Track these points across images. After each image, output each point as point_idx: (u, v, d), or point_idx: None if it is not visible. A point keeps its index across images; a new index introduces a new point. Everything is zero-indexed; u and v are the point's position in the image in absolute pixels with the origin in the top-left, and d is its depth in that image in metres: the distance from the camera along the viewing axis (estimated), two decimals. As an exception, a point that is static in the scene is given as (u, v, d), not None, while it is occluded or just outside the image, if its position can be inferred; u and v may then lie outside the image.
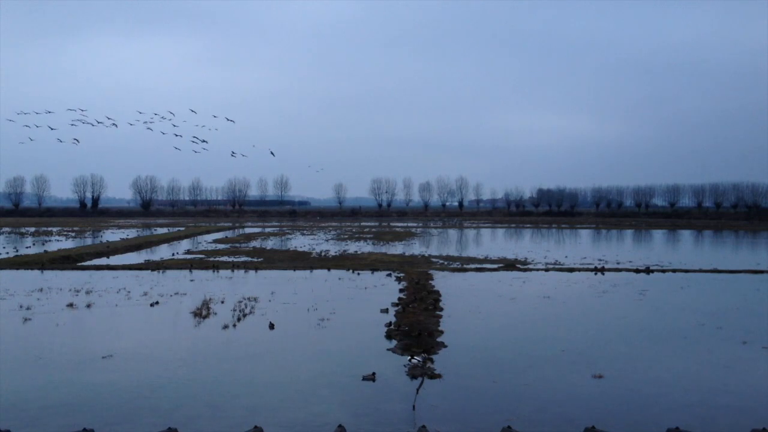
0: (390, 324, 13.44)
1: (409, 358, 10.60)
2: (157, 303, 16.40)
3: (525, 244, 42.27)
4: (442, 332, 12.72)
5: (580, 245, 41.75)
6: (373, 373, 9.66)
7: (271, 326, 13.40)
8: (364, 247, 37.30)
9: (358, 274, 23.31)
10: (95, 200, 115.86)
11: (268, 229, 62.48)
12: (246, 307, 15.50)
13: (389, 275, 22.85)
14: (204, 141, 38.60)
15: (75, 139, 41.38)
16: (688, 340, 12.48)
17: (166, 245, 39.60)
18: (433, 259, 29.31)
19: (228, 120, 40.12)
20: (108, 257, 30.71)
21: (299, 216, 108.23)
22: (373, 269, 24.54)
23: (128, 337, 12.60)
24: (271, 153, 42.78)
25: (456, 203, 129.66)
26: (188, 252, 33.71)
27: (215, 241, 43.74)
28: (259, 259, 28.94)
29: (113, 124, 38.45)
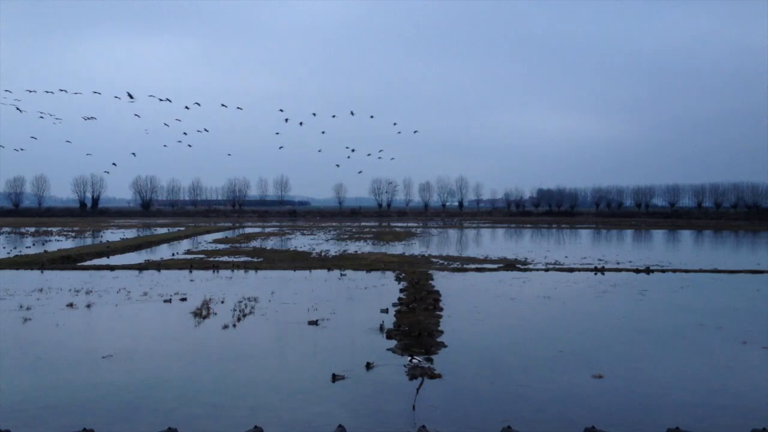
0: (390, 324, 13.44)
1: (409, 358, 10.60)
2: (185, 299, 16.87)
3: (525, 244, 42.26)
4: (442, 332, 12.72)
5: (580, 245, 41.74)
6: (333, 374, 9.58)
7: (314, 323, 13.56)
8: (364, 247, 37.30)
9: (347, 274, 23.29)
10: (95, 200, 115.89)
11: (268, 229, 62.47)
12: (246, 307, 15.50)
13: (389, 275, 22.85)
14: (386, 154, 39.24)
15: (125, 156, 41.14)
16: (688, 340, 12.47)
17: (166, 245, 39.60)
18: (433, 259, 29.30)
19: (415, 132, 41.86)
20: (108, 257, 30.70)
21: (299, 216, 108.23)
22: (373, 269, 24.55)
23: (128, 337, 12.59)
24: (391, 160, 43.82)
25: (456, 203, 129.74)
26: (188, 252, 33.70)
27: (215, 241, 43.75)
28: (259, 259, 28.94)
29: (195, 104, 36.16)
